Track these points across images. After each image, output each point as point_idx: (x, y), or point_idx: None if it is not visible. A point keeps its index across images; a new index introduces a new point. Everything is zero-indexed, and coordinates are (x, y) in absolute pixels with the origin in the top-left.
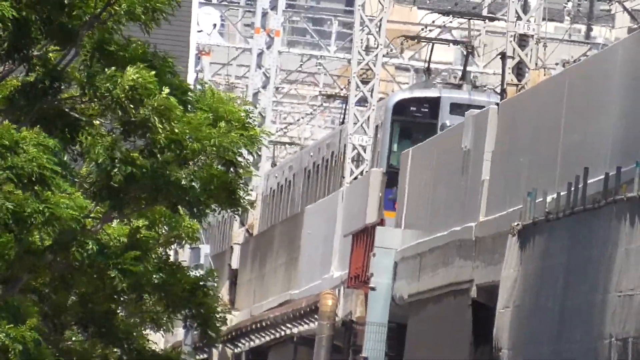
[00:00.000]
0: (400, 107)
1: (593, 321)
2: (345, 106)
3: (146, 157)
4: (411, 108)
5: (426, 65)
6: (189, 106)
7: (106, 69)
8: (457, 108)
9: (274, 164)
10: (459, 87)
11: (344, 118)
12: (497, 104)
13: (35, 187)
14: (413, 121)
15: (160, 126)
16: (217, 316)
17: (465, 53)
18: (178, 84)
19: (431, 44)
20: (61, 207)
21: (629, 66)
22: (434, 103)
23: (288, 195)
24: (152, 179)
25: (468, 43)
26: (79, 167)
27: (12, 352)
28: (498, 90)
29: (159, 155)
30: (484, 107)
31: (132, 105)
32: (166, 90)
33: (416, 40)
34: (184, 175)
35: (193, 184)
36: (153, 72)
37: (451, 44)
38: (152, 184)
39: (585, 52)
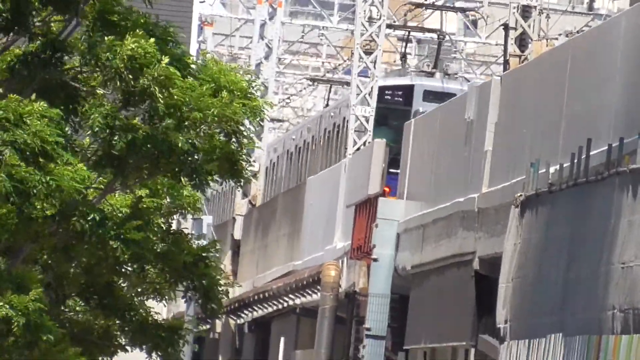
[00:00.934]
0: (377, 95)
1: (596, 292)
2: (329, 90)
3: (146, 124)
4: (386, 95)
5: (402, 53)
6: (189, 77)
7: (106, 39)
8: (430, 95)
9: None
10: (431, 75)
11: (327, 102)
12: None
13: (40, 160)
14: (388, 107)
15: (161, 96)
16: (220, 289)
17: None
18: (179, 55)
19: (407, 32)
20: (64, 179)
21: (631, 37)
22: (408, 90)
23: (290, 166)
24: (153, 145)
25: (440, 33)
26: (81, 138)
27: (15, 323)
28: (469, 77)
29: (158, 123)
30: (455, 94)
31: (130, 76)
32: (166, 59)
33: (422, 8)
34: (184, 140)
35: (194, 149)
36: (152, 40)
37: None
38: (153, 151)
39: (588, 23)
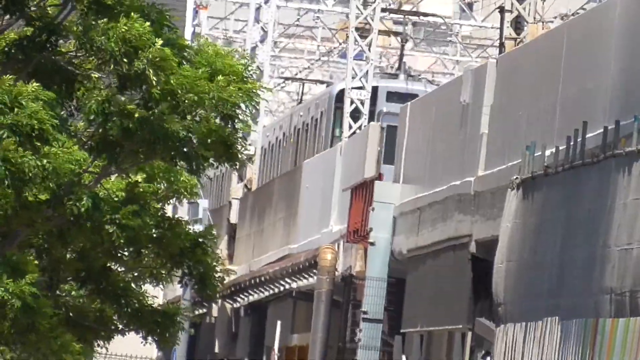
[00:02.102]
0: (341, 97)
1: (592, 275)
2: (302, 87)
3: (142, 110)
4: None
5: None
6: (185, 62)
7: (99, 22)
8: (393, 96)
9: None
10: (395, 76)
11: (301, 99)
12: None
13: (36, 143)
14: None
15: (155, 79)
16: (216, 275)
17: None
18: (174, 39)
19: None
20: (60, 161)
21: (627, 20)
22: (372, 92)
23: (287, 149)
24: (149, 131)
25: (403, 35)
26: (76, 122)
27: (9, 306)
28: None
29: (154, 109)
30: (417, 95)
31: (125, 60)
32: (159, 41)
33: None
34: (180, 127)
35: (190, 134)
36: (147, 24)
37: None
38: (149, 137)
39: (584, 6)
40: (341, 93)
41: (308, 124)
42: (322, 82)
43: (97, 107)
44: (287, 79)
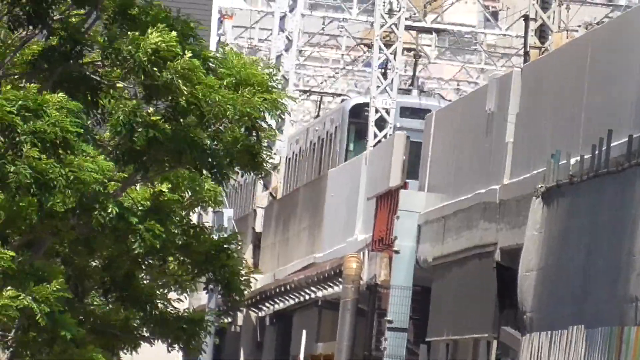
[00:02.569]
0: (356, 111)
1: (617, 283)
2: (320, 100)
3: (168, 121)
4: (365, 111)
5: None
6: (210, 72)
7: (129, 33)
8: (406, 111)
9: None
10: (408, 92)
11: (318, 113)
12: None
13: (59, 151)
14: (367, 123)
15: (185, 89)
16: (241, 279)
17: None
18: (198, 50)
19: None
20: (84, 171)
21: None
22: None
23: (312, 158)
24: (174, 142)
25: (415, 52)
26: (102, 132)
27: (38, 314)
28: (444, 94)
29: (180, 119)
30: (430, 110)
31: (155, 69)
32: (189, 53)
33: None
34: (206, 139)
35: (215, 145)
36: (174, 34)
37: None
38: (174, 147)
39: (608, 14)
40: (355, 108)
41: (323, 139)
42: (338, 95)
43: (125, 118)
44: (304, 91)
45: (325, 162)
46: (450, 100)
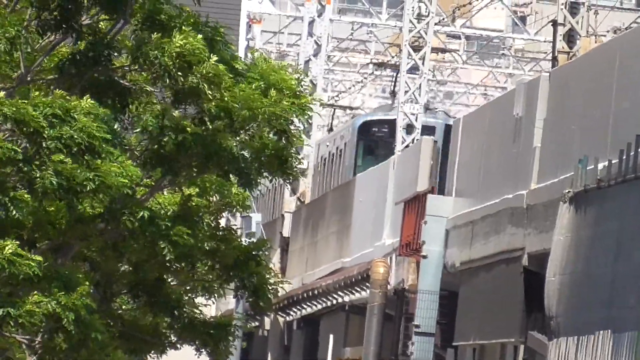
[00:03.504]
0: (364, 128)
1: None
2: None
3: (197, 125)
4: (373, 128)
5: (391, 89)
6: (240, 77)
7: (153, 36)
8: (412, 128)
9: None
10: None
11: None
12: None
13: (85, 156)
14: (375, 140)
15: (210, 93)
16: (269, 287)
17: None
18: (228, 57)
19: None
20: (111, 176)
21: None
22: (393, 124)
23: (340, 163)
24: (202, 146)
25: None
26: (130, 136)
27: (65, 320)
28: (450, 112)
29: (209, 124)
30: (435, 127)
31: (180, 73)
32: (214, 57)
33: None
34: (235, 144)
35: (244, 152)
36: (200, 37)
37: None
38: (202, 152)
39: (637, 19)
40: (363, 125)
41: (334, 154)
42: (351, 108)
43: (154, 119)
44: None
45: (335, 178)
46: (473, 106)
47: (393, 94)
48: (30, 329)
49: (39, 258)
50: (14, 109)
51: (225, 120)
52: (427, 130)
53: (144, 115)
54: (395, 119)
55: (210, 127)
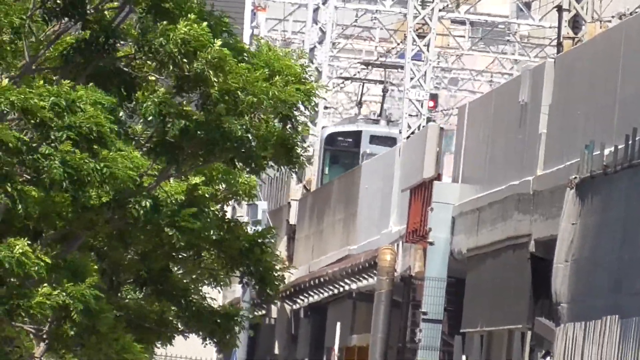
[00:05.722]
0: (330, 139)
1: None
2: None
3: (200, 110)
4: (338, 139)
5: (358, 100)
6: (244, 60)
7: (158, 24)
8: (375, 139)
9: (359, 104)
10: (376, 122)
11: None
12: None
13: (94, 146)
14: (340, 150)
15: (215, 79)
16: (275, 274)
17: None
18: (233, 45)
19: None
20: (118, 166)
21: None
22: (356, 135)
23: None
24: (206, 131)
25: (384, 86)
26: (135, 125)
27: (73, 310)
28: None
29: (212, 108)
30: (396, 139)
31: (185, 60)
32: (219, 42)
33: None
34: (238, 126)
35: (248, 134)
36: (205, 24)
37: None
38: (207, 138)
39: None
40: (330, 136)
41: None
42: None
43: (154, 108)
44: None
45: (300, 185)
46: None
47: (359, 104)
48: (40, 320)
49: (48, 260)
50: (22, 96)
51: (228, 103)
52: (390, 140)
53: (146, 104)
54: (360, 131)
55: (213, 111)
